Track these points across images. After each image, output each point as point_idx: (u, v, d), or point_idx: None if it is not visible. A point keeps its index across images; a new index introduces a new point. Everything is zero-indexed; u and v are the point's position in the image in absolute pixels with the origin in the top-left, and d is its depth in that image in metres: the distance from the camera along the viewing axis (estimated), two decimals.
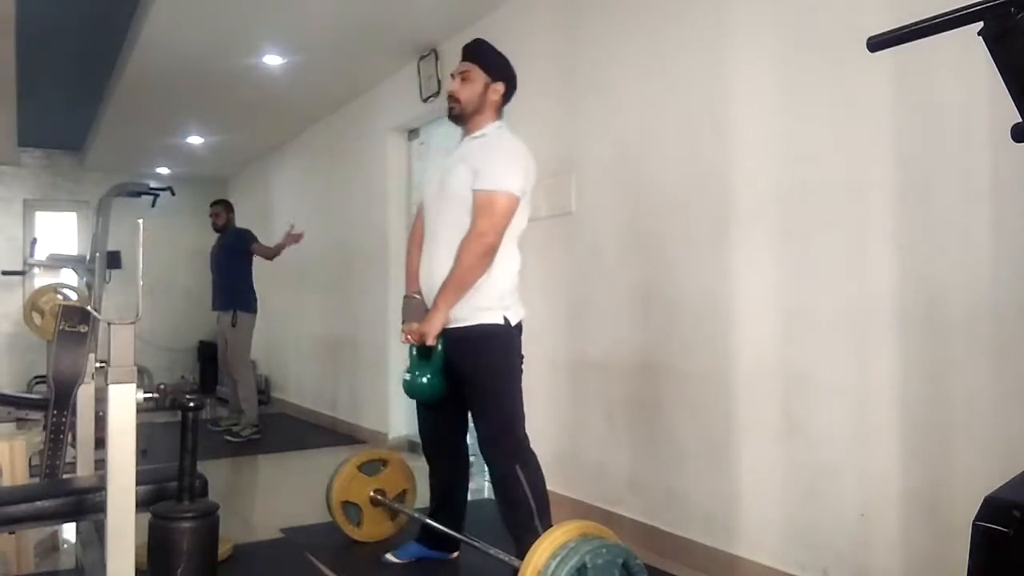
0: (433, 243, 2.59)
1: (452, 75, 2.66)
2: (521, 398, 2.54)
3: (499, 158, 2.50)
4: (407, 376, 2.58)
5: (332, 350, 6.27)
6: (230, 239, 5.91)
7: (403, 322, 2.65)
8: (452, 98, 2.62)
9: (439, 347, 2.51)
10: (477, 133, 2.60)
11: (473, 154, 2.54)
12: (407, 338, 2.56)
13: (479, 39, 2.70)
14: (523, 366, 2.58)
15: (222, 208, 6.01)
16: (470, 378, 2.52)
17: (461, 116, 2.62)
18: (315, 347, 6.65)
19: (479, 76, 2.59)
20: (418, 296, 2.64)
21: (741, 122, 2.71)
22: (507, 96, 2.66)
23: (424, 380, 2.53)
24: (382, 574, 2.83)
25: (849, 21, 2.33)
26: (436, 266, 2.53)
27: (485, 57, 2.63)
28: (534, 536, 2.17)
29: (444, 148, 2.73)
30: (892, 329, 2.22)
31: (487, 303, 2.49)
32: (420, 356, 2.56)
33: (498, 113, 2.66)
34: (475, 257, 2.43)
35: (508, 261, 2.53)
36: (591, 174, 3.41)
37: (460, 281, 2.44)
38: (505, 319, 2.51)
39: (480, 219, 2.44)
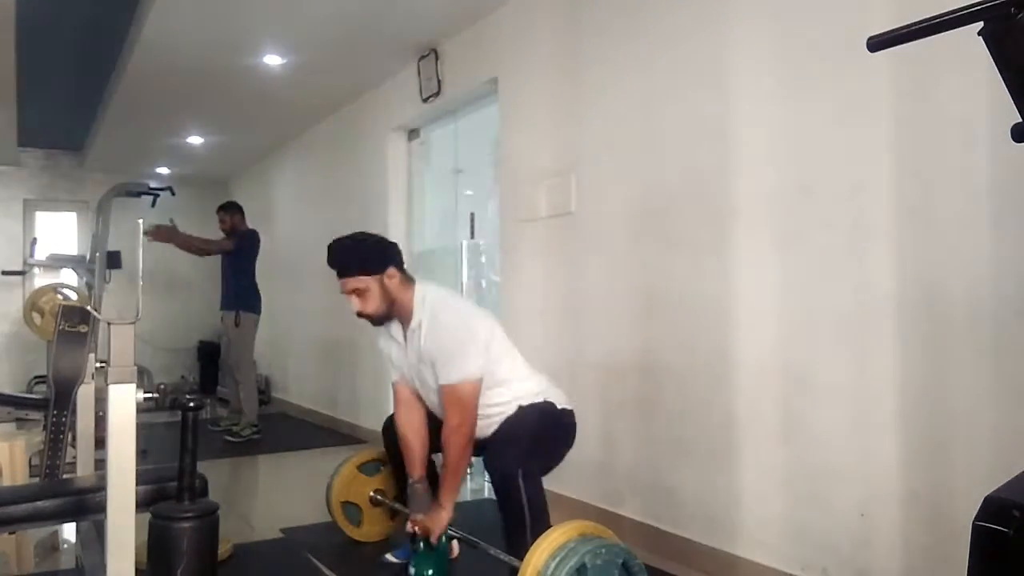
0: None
1: (345, 294, 2.63)
2: (549, 463, 2.58)
3: (447, 352, 2.52)
4: (412, 570, 2.59)
5: (332, 350, 6.27)
6: (240, 240, 5.90)
7: (409, 512, 2.67)
8: (363, 316, 2.63)
9: (444, 541, 2.56)
10: (413, 324, 2.60)
11: (425, 350, 2.57)
12: (414, 529, 2.58)
13: (333, 247, 2.66)
14: (570, 449, 2.63)
15: (226, 213, 5.97)
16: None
17: (386, 319, 2.66)
18: (315, 347, 6.65)
19: (368, 282, 2.58)
20: (420, 485, 2.66)
21: (741, 122, 2.71)
22: (399, 264, 2.65)
23: (429, 574, 2.56)
24: (382, 574, 2.83)
25: (849, 21, 2.33)
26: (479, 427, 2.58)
27: (359, 263, 2.60)
28: (522, 546, 2.18)
29: (392, 338, 2.72)
30: (892, 329, 2.22)
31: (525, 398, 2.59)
32: (426, 547, 2.57)
33: (408, 286, 2.64)
34: (460, 449, 2.51)
35: (522, 379, 2.62)
36: (591, 174, 3.41)
37: (455, 474, 2.53)
38: (546, 400, 2.59)
39: (452, 413, 2.51)
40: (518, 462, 2.42)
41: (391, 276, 2.59)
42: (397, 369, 2.75)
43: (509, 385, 2.58)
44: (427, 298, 2.61)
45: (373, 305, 2.60)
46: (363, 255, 2.62)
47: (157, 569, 1.81)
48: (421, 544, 2.57)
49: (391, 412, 2.85)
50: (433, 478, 2.77)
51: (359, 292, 2.59)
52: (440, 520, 2.52)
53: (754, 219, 2.65)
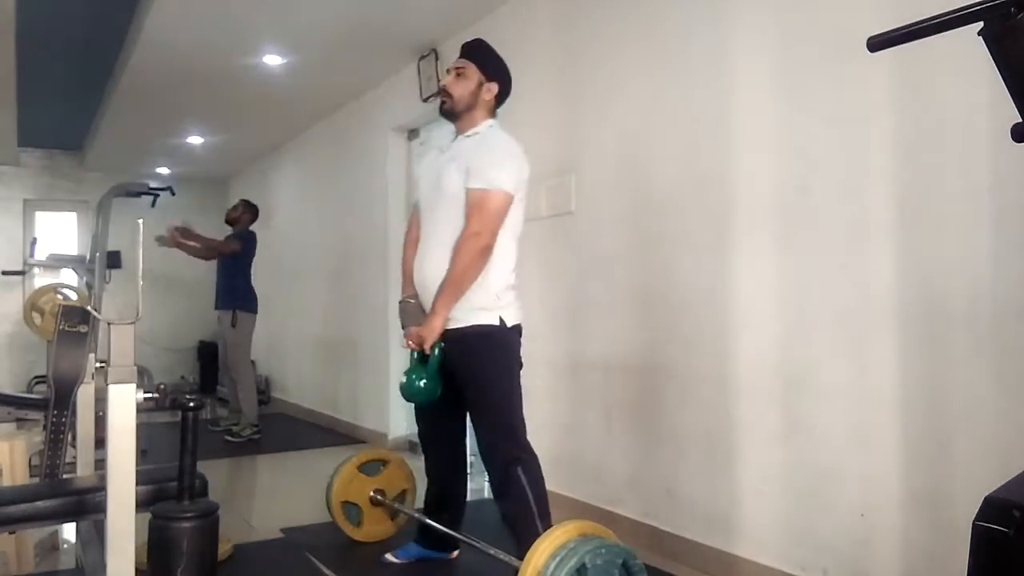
0: (428, 243, 2.59)
1: (447, 70, 2.66)
2: (520, 401, 2.53)
3: (491, 156, 2.50)
4: (403, 379, 2.58)
5: (332, 350, 6.27)
6: (241, 239, 5.89)
7: (402, 326, 2.65)
8: (444, 92, 2.62)
9: (436, 351, 2.51)
10: (470, 131, 2.60)
11: (466, 153, 2.54)
12: (408, 343, 2.56)
13: (480, 39, 2.71)
14: (523, 368, 2.58)
15: (244, 206, 5.94)
16: (467, 380, 2.52)
17: (452, 112, 2.62)
18: (315, 347, 6.65)
19: (474, 73, 2.59)
20: (413, 300, 2.64)
21: (741, 121, 2.71)
22: (500, 98, 2.66)
23: (420, 384, 2.53)
24: (382, 574, 2.83)
25: (849, 21, 2.33)
26: (431, 266, 2.53)
27: (482, 56, 2.63)
28: (535, 537, 2.17)
29: (437, 147, 2.71)
30: (892, 329, 2.22)
31: (483, 303, 2.48)
32: (419, 359, 2.56)
33: (491, 113, 2.66)
34: (471, 257, 2.43)
35: (503, 260, 2.52)
36: (591, 174, 3.41)
37: (457, 282, 2.44)
38: (501, 320, 2.50)
39: (473, 218, 2.44)
40: (512, 455, 2.43)
41: (490, 89, 2.61)
42: (417, 182, 2.74)
43: (495, 258, 2.48)
44: (494, 127, 2.63)
45: (460, 90, 2.59)
46: (491, 57, 2.65)
47: (157, 569, 1.81)
48: (415, 354, 2.55)
49: (421, 431, 2.84)
50: (443, 506, 2.78)
51: (460, 73, 2.61)
52: (433, 327, 2.46)
53: (754, 219, 2.65)
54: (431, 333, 2.47)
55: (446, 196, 2.52)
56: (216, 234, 6.07)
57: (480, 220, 2.43)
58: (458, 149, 2.58)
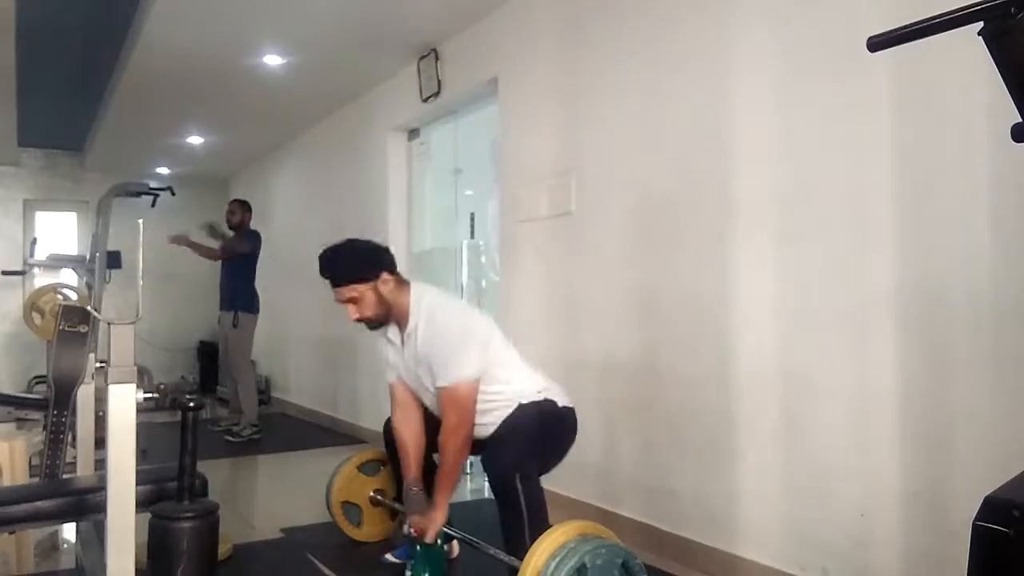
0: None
1: (341, 302, 2.63)
2: (552, 461, 2.57)
3: (444, 353, 2.52)
4: (408, 573, 2.59)
5: (332, 350, 6.27)
6: (250, 240, 5.89)
7: (407, 512, 2.66)
8: (361, 321, 2.63)
9: (439, 542, 2.56)
10: (410, 327, 2.60)
11: (422, 353, 2.57)
12: (411, 531, 2.57)
13: (324, 257, 2.66)
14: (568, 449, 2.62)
15: (238, 207, 5.95)
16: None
17: (384, 323, 2.66)
18: (315, 347, 6.65)
19: (361, 290, 2.58)
20: (416, 488, 2.65)
21: (741, 121, 2.71)
22: (391, 267, 2.64)
23: None
24: (382, 574, 2.83)
25: (849, 21, 2.33)
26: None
27: (350, 272, 2.60)
28: (521, 547, 2.18)
29: (389, 340, 2.71)
30: (892, 329, 2.22)
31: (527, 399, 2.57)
32: (424, 550, 2.56)
33: (402, 286, 2.64)
34: (457, 450, 2.51)
35: (522, 375, 2.60)
36: (591, 174, 3.41)
37: (452, 474, 2.53)
38: (547, 399, 2.58)
39: (450, 413, 2.50)
40: (515, 463, 2.42)
41: (385, 281, 2.59)
42: (394, 370, 2.75)
43: (509, 383, 2.58)
44: (424, 300, 2.61)
45: (370, 311, 2.60)
46: (354, 264, 2.61)
47: (157, 569, 1.81)
48: (418, 546, 2.57)
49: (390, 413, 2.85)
50: (432, 477, 2.76)
51: (354, 300, 2.59)
52: (435, 521, 2.51)
53: (754, 219, 2.65)
54: (433, 528, 2.51)
55: (433, 394, 2.60)
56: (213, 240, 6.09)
57: (456, 413, 2.49)
58: (415, 353, 2.60)
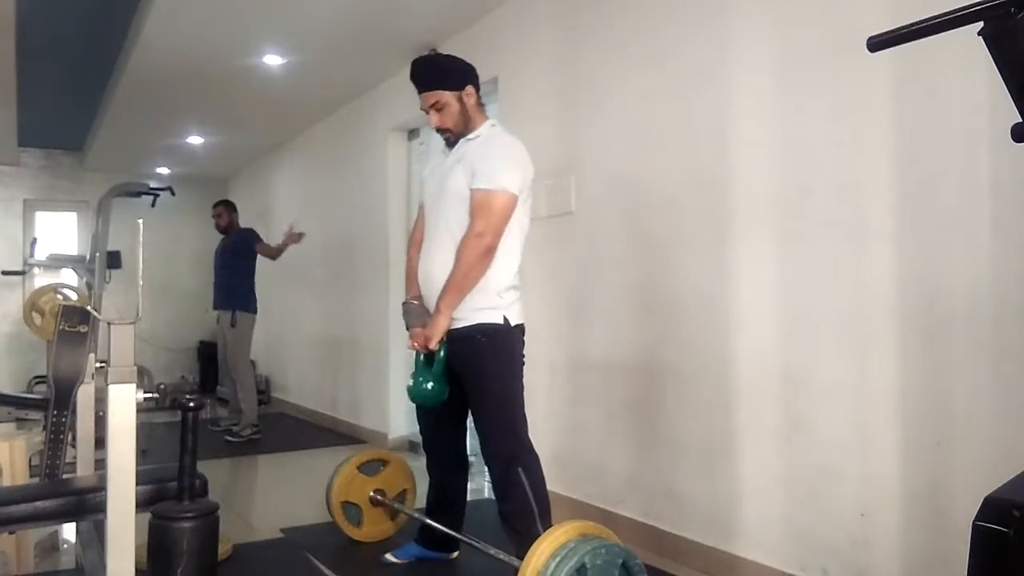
0: (433, 242, 2.59)
1: (424, 110, 2.63)
2: (522, 400, 2.54)
3: (496, 158, 2.50)
4: (411, 382, 2.58)
5: (332, 350, 6.27)
6: (234, 239, 5.91)
7: (407, 327, 2.65)
8: (441, 130, 2.62)
9: (442, 352, 2.51)
10: (471, 135, 2.60)
11: (471, 155, 2.54)
12: (413, 344, 2.56)
13: (416, 62, 2.65)
14: (524, 368, 2.58)
15: (224, 208, 6.01)
16: (470, 379, 2.53)
17: (458, 137, 2.62)
18: (315, 347, 6.65)
19: (447, 97, 2.57)
20: (417, 300, 2.64)
21: (741, 121, 2.71)
22: (478, 88, 2.65)
23: (428, 386, 2.53)
24: (382, 574, 2.83)
25: (849, 21, 2.33)
26: (435, 266, 2.54)
27: (437, 76, 2.60)
28: (535, 538, 2.17)
29: (441, 150, 2.72)
30: (892, 329, 2.22)
31: (486, 303, 2.49)
32: (425, 361, 2.56)
33: (483, 111, 2.66)
34: (475, 257, 2.43)
35: (507, 261, 2.53)
36: (591, 174, 3.41)
37: (461, 283, 2.45)
38: (505, 319, 2.51)
39: (478, 219, 2.44)
40: (514, 455, 2.43)
41: (469, 94, 2.59)
42: (424, 184, 2.73)
43: (498, 260, 2.48)
44: (497, 126, 2.64)
45: (451, 120, 2.58)
46: (445, 69, 2.62)
47: (157, 569, 1.81)
48: (421, 356, 2.55)
49: (423, 430, 2.83)
50: (444, 506, 2.78)
51: (438, 106, 2.58)
52: (438, 325, 2.46)
53: (754, 219, 2.65)
54: (436, 333, 2.47)
55: (451, 197, 2.53)
56: (211, 237, 6.10)
57: (485, 221, 2.44)
58: (463, 151, 2.58)
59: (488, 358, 2.50)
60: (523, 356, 2.58)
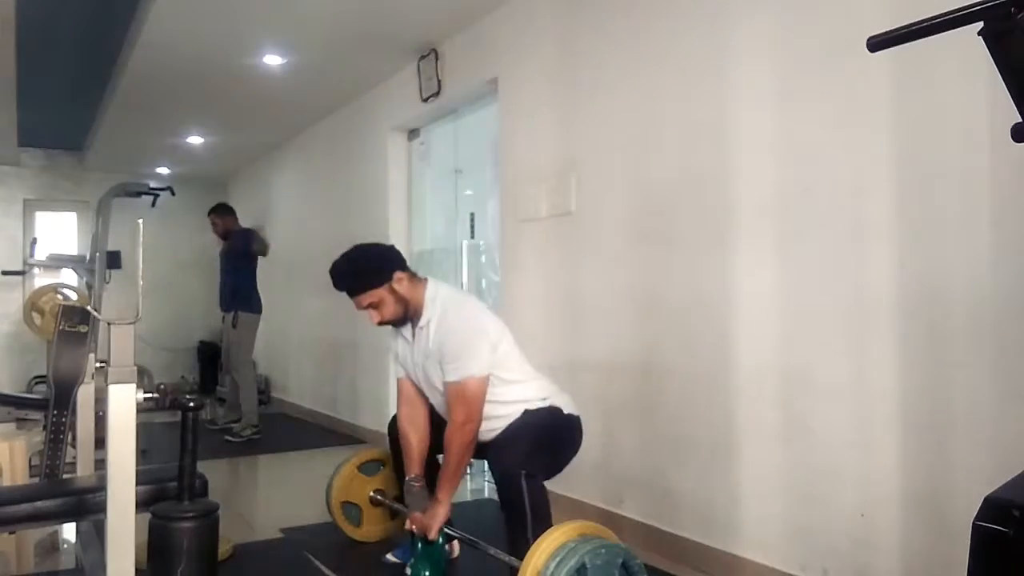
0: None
1: (362, 309, 2.66)
2: (556, 466, 2.58)
3: (453, 348, 2.53)
4: (408, 572, 2.59)
5: (332, 350, 6.27)
6: (235, 241, 5.91)
7: (408, 509, 2.67)
8: (384, 323, 2.66)
9: (441, 540, 2.56)
10: (422, 322, 2.62)
11: (433, 348, 2.58)
12: (412, 527, 2.58)
13: (335, 274, 2.67)
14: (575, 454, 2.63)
15: (216, 216, 6.05)
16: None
17: (405, 320, 2.66)
18: (315, 347, 6.65)
19: (379, 293, 2.60)
20: (418, 484, 2.66)
21: (741, 121, 2.71)
22: (404, 267, 2.66)
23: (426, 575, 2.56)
24: (382, 574, 2.83)
25: (849, 21, 2.33)
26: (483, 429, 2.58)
27: (363, 280, 2.62)
28: (523, 546, 2.17)
29: (402, 336, 2.73)
30: (892, 329, 2.22)
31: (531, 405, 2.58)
32: (423, 547, 2.56)
33: (419, 287, 2.65)
34: (463, 447, 2.50)
35: (528, 380, 2.61)
36: (591, 174, 3.41)
37: (456, 471, 2.53)
38: (552, 405, 2.59)
39: (457, 410, 2.50)
40: (521, 463, 2.42)
41: (399, 280, 2.61)
42: (402, 366, 2.76)
43: (516, 387, 2.58)
44: (438, 297, 2.63)
45: (390, 312, 2.63)
46: (366, 271, 2.63)
47: (157, 569, 1.81)
48: (419, 544, 2.57)
49: (395, 412, 2.84)
50: (433, 476, 2.76)
51: (374, 305, 2.62)
52: (437, 516, 2.51)
53: (754, 219, 2.65)
54: (436, 523, 2.51)
55: (441, 389, 2.60)
56: (215, 240, 6.10)
57: (464, 410, 2.49)
58: (424, 345, 2.62)
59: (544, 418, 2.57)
60: (572, 445, 2.63)
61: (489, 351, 2.53)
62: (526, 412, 2.56)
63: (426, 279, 2.70)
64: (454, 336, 2.54)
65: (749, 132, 2.67)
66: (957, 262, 2.08)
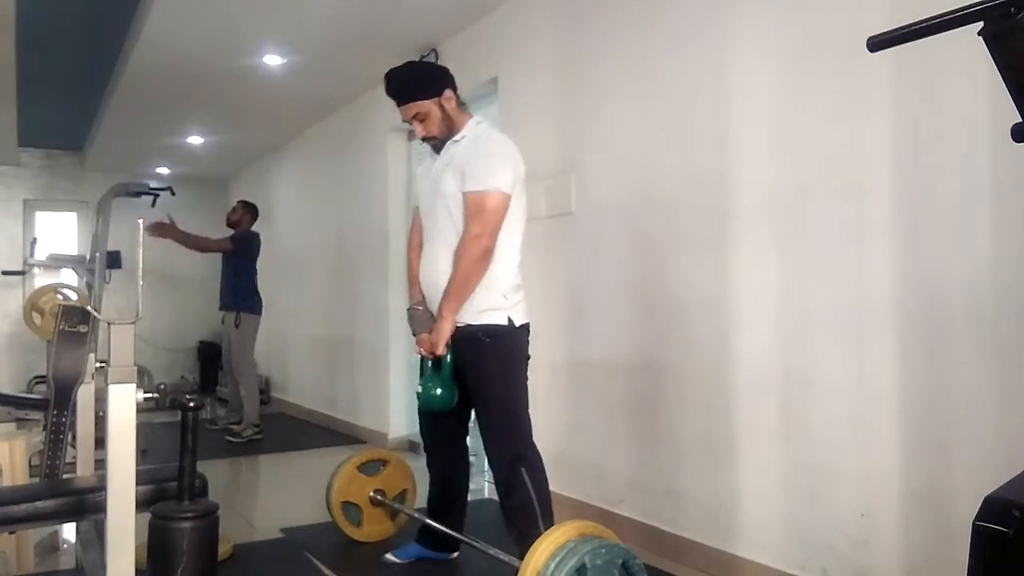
0: (432, 247, 2.60)
1: (407, 122, 2.63)
2: (527, 400, 2.55)
3: (484, 157, 2.50)
4: (419, 388, 2.58)
5: (332, 350, 6.27)
6: (240, 241, 5.90)
7: (413, 333, 2.66)
8: (427, 139, 2.62)
9: (449, 357, 2.52)
10: (457, 136, 2.60)
11: (459, 157, 2.54)
12: (419, 350, 2.57)
13: (389, 77, 2.63)
14: (528, 368, 2.58)
15: (242, 207, 5.98)
16: (474, 379, 2.53)
17: (445, 141, 2.62)
18: (315, 347, 6.65)
19: (427, 106, 2.57)
20: (421, 306, 2.64)
21: (741, 121, 2.71)
22: (456, 90, 2.63)
23: (437, 392, 2.54)
24: (382, 574, 2.83)
25: (849, 21, 2.33)
26: (436, 270, 2.54)
27: (413, 86, 2.59)
28: (537, 537, 2.17)
29: (431, 153, 2.71)
30: (892, 329, 2.22)
31: (491, 303, 2.50)
32: (433, 366, 2.56)
33: (465, 110, 2.65)
34: (473, 260, 2.44)
35: (508, 259, 2.54)
36: (591, 174, 3.41)
37: (461, 286, 2.45)
38: (510, 319, 2.52)
39: (473, 222, 2.45)
40: (517, 454, 2.43)
41: (448, 98, 2.59)
42: (418, 187, 2.74)
43: (498, 255, 2.49)
44: (482, 124, 2.64)
45: (435, 127, 2.59)
46: (419, 79, 2.62)
47: (157, 569, 1.81)
48: (429, 363, 2.56)
49: (423, 428, 2.81)
50: (445, 506, 2.78)
51: (420, 116, 2.58)
52: (443, 332, 2.47)
53: (754, 219, 2.65)
54: (441, 338, 2.48)
55: (445, 200, 2.54)
56: (215, 232, 6.08)
57: (480, 223, 2.44)
58: (451, 155, 2.58)
59: (492, 359, 2.50)
60: (528, 356, 2.59)
61: (515, 178, 2.49)
62: (485, 332, 2.47)
63: (473, 115, 2.67)
64: (487, 152, 2.51)
65: (749, 132, 2.68)
66: (957, 262, 2.08)
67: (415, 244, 2.74)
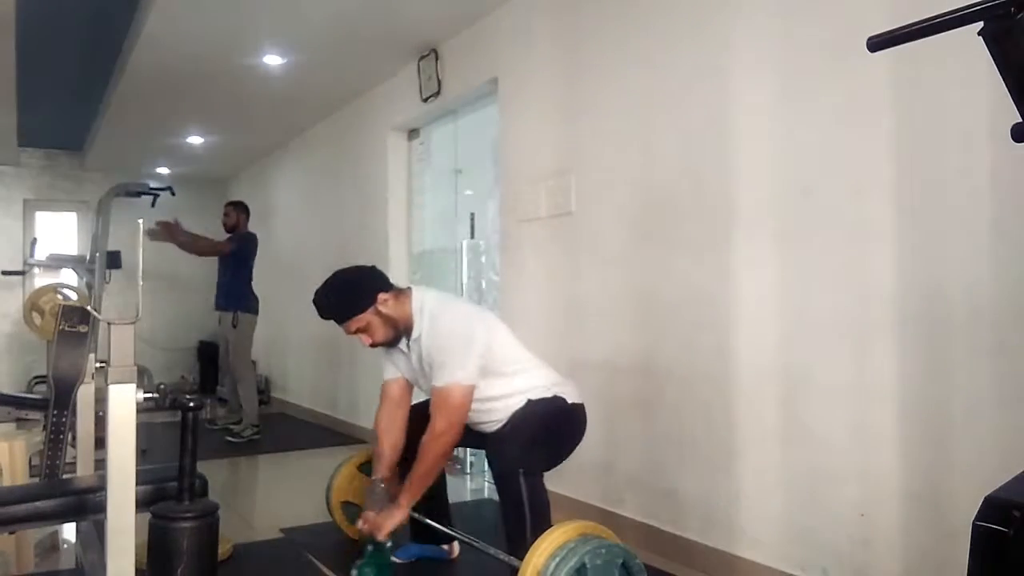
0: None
1: (351, 334, 2.65)
2: (558, 458, 2.58)
3: (439, 351, 2.52)
4: (354, 572, 2.54)
5: (332, 350, 6.26)
6: (238, 243, 5.91)
7: (362, 506, 2.64)
8: (376, 345, 2.65)
9: (389, 544, 2.52)
10: (415, 334, 2.60)
11: (425, 353, 2.57)
12: (363, 526, 2.54)
13: (318, 304, 2.66)
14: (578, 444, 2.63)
15: (233, 209, 5.99)
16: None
17: (398, 339, 2.64)
18: (315, 347, 6.65)
19: (365, 318, 2.58)
20: (383, 484, 2.63)
21: (741, 122, 2.71)
22: (387, 286, 2.64)
23: None
24: None
25: (849, 21, 2.33)
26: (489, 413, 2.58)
27: (346, 309, 2.61)
28: (523, 545, 2.17)
29: (398, 349, 2.70)
30: (892, 329, 2.22)
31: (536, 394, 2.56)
32: (372, 549, 2.52)
33: (405, 302, 2.63)
34: (437, 457, 2.50)
35: (530, 373, 2.60)
36: (591, 174, 3.41)
37: (424, 479, 2.50)
38: (557, 395, 2.57)
39: (438, 417, 2.48)
40: (519, 459, 2.41)
41: (383, 302, 2.59)
42: (396, 369, 2.75)
43: (518, 378, 2.56)
44: (425, 307, 2.61)
45: (380, 334, 2.62)
46: (347, 299, 2.61)
47: (157, 569, 1.81)
48: (369, 546, 2.52)
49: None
50: (430, 499, 2.76)
51: (362, 329, 2.61)
52: (393, 517, 2.48)
53: (754, 219, 2.65)
54: (389, 522, 2.48)
55: None
56: (214, 233, 6.08)
57: (445, 419, 2.47)
58: (419, 351, 2.60)
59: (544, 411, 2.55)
60: (574, 437, 2.63)
61: (477, 358, 2.50)
62: (529, 402, 2.54)
63: (410, 289, 2.67)
64: (440, 346, 2.53)
65: (749, 132, 2.68)
66: (957, 262, 2.08)
67: (386, 419, 2.72)
